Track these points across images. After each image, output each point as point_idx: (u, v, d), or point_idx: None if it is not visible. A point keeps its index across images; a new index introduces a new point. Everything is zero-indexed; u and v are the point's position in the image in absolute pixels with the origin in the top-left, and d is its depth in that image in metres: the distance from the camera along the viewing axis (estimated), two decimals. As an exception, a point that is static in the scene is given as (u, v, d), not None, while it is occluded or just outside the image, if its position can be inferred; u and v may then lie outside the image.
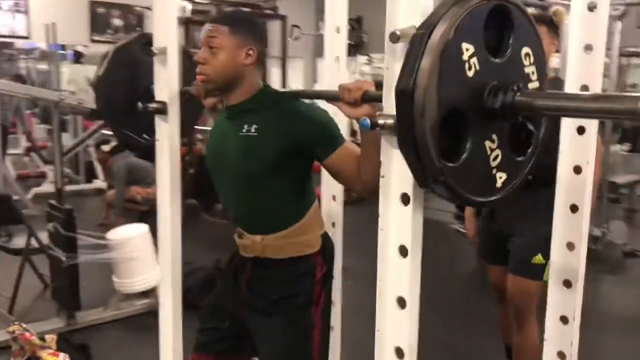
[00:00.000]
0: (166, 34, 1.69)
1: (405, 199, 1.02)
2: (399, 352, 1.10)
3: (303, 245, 1.63)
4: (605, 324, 3.54)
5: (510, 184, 1.00)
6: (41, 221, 3.52)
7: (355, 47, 8.95)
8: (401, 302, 1.09)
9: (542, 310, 1.59)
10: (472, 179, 0.95)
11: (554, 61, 3.59)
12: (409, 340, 1.10)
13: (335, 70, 1.84)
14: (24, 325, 2.60)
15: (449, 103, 0.89)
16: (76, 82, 8.63)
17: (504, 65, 0.97)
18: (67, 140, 7.60)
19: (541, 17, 2.26)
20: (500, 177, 0.99)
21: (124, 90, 1.88)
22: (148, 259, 3.38)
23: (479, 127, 0.94)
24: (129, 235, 3.39)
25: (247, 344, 1.72)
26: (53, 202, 3.27)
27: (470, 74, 0.91)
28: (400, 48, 0.95)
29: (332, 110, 1.60)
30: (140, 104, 1.72)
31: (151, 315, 3.13)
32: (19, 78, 7.63)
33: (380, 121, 0.97)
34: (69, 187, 7.10)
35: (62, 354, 2.55)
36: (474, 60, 0.92)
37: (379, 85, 1.14)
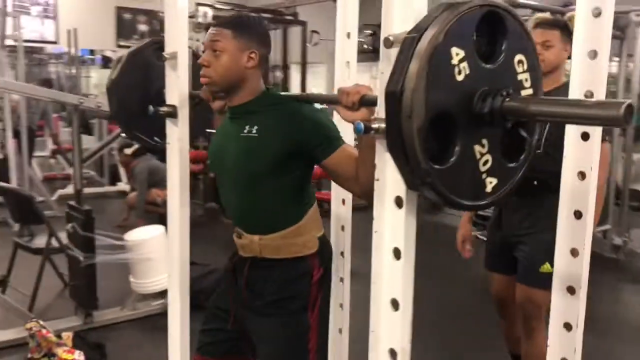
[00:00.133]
0: (177, 40, 1.73)
1: (399, 202, 1.04)
2: (392, 353, 1.11)
3: (300, 246, 1.65)
4: (626, 334, 3.49)
5: (501, 189, 1.00)
6: (64, 222, 3.60)
7: (376, 53, 8.93)
8: (395, 304, 1.10)
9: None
10: (460, 183, 0.95)
11: (567, 66, 3.55)
12: (401, 342, 1.11)
13: (346, 75, 1.86)
14: (41, 323, 2.67)
15: (437, 106, 0.90)
16: (102, 87, 8.79)
17: (495, 71, 0.97)
18: (93, 143, 7.78)
19: (555, 22, 2.25)
20: (491, 182, 0.99)
21: (136, 94, 1.93)
22: (164, 260, 3.43)
23: (468, 132, 0.94)
24: (146, 236, 3.45)
25: (249, 346, 1.74)
26: (72, 203, 3.35)
27: (460, 78, 0.92)
28: (394, 53, 0.97)
29: (337, 116, 1.62)
30: (151, 108, 1.76)
31: (166, 316, 3.17)
32: (46, 82, 7.79)
33: (374, 125, 0.99)
34: (93, 189, 7.26)
35: (77, 351, 2.62)
36: (464, 64, 0.92)
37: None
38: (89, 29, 8.28)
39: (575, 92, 1.40)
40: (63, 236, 3.49)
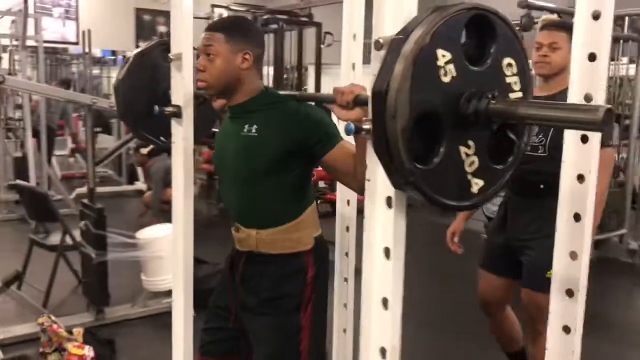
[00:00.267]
0: (182, 41, 1.76)
1: (389, 202, 1.05)
2: (382, 351, 1.13)
3: (295, 241, 1.67)
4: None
5: (488, 190, 1.01)
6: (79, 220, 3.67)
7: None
8: (385, 303, 1.11)
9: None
10: (445, 183, 0.96)
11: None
12: (391, 340, 1.12)
13: (352, 77, 1.87)
14: (53, 318, 2.72)
15: (421, 107, 0.90)
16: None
17: (483, 74, 0.98)
18: (112, 142, 7.89)
19: (562, 24, 2.24)
20: (477, 184, 0.99)
21: (143, 94, 1.96)
22: (175, 258, 3.46)
23: (454, 133, 0.95)
24: (157, 235, 3.49)
25: (248, 345, 1.76)
26: (85, 201, 3.41)
27: (446, 80, 0.93)
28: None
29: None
30: (156, 108, 1.80)
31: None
32: (65, 82, 7.93)
33: (365, 126, 1.01)
34: (110, 188, 7.36)
35: (87, 347, 2.66)
36: (450, 66, 0.93)
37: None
38: (109, 30, 8.41)
39: (574, 95, 1.40)
40: (77, 234, 3.55)
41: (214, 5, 5.66)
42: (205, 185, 6.59)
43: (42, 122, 6.40)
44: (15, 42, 6.88)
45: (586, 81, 1.39)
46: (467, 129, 0.96)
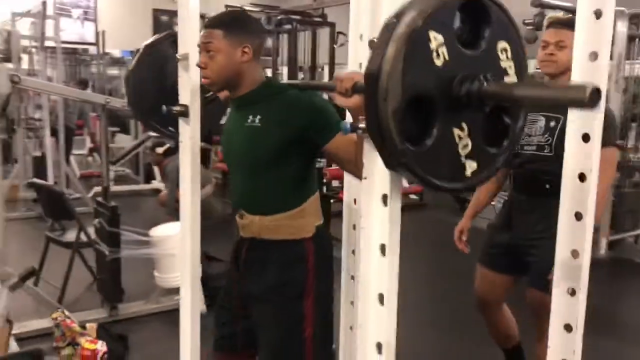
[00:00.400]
0: (189, 41, 1.79)
1: (385, 200, 1.07)
2: (379, 347, 1.14)
3: (297, 228, 1.70)
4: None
5: (481, 173, 1.01)
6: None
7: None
8: (381, 299, 1.13)
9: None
10: (438, 165, 0.96)
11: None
12: (387, 336, 1.13)
13: (359, 76, 1.89)
14: (66, 313, 2.77)
15: (413, 89, 0.91)
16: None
17: (477, 58, 0.98)
18: (129, 142, 7.98)
19: (569, 22, 2.22)
20: (471, 166, 1.00)
21: (152, 84, 2.00)
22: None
23: (447, 115, 0.95)
24: (169, 232, 3.53)
25: (254, 337, 1.78)
26: (100, 199, 3.46)
27: (438, 62, 0.93)
28: (377, 53, 1.00)
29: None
30: (164, 107, 1.83)
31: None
32: (82, 82, 8.04)
33: (362, 125, 1.02)
34: (128, 187, 7.45)
35: (100, 342, 2.71)
36: (443, 49, 0.93)
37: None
38: (127, 31, 8.50)
39: (575, 94, 1.41)
40: (91, 231, 3.61)
41: (227, 6, 5.70)
42: (220, 184, 6.64)
43: (60, 121, 6.50)
44: (34, 43, 6.99)
45: (588, 79, 1.39)
46: (461, 112, 0.97)
